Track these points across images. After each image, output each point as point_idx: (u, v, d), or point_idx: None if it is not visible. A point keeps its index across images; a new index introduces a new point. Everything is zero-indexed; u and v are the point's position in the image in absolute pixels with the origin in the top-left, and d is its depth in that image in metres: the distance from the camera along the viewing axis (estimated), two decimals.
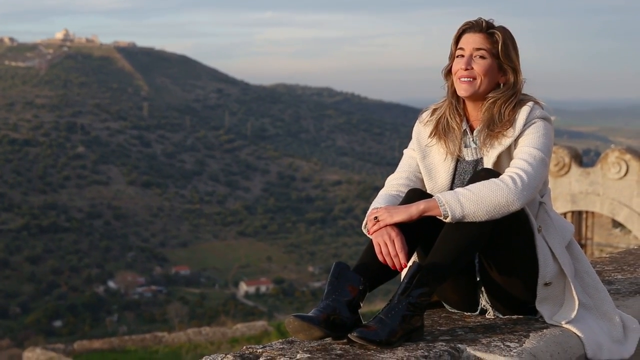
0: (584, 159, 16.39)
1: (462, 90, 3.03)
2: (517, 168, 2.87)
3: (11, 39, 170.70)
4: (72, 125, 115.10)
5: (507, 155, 3.00)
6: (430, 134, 3.14)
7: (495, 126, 3.00)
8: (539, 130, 2.96)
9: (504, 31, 3.04)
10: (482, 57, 3.01)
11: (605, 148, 19.67)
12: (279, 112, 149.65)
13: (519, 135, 2.98)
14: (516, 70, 3.03)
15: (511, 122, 2.98)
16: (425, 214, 2.81)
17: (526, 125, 2.98)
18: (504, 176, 2.85)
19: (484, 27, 3.03)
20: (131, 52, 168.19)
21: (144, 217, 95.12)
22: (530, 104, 3.02)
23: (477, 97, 3.05)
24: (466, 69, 3.01)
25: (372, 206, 3.06)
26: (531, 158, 2.89)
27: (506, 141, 2.98)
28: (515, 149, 2.98)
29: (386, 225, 2.86)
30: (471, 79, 3.01)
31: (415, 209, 2.82)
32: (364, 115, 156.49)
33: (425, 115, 3.20)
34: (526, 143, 2.95)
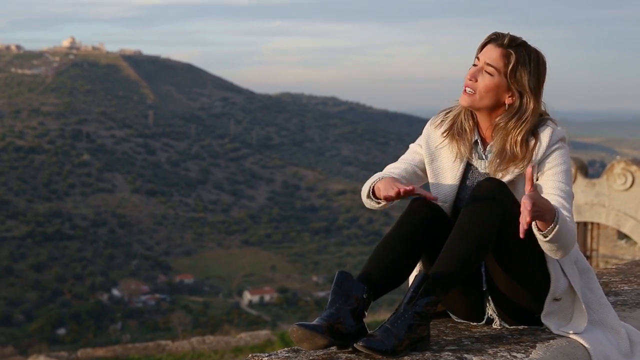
0: (590, 170, 16.37)
1: (461, 99, 3.02)
2: (567, 211, 2.84)
3: (18, 47, 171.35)
4: (78, 133, 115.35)
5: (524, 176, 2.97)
6: (444, 132, 3.11)
7: (505, 158, 2.97)
8: (565, 160, 2.96)
9: (524, 53, 2.96)
10: (489, 73, 2.97)
11: (611, 159, 19.64)
12: (284, 121, 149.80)
13: (542, 159, 2.95)
14: (523, 94, 2.96)
15: (523, 156, 2.95)
16: (540, 220, 2.69)
17: (549, 148, 2.95)
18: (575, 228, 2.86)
19: (505, 43, 2.97)
20: (137, 61, 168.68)
21: (148, 225, 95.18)
22: (550, 126, 2.99)
23: (479, 110, 3.03)
24: (470, 79, 3.00)
25: (369, 182, 3.04)
26: (569, 200, 2.89)
27: (521, 169, 2.96)
28: (537, 171, 2.95)
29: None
30: (472, 91, 2.99)
31: (547, 211, 2.68)
32: (369, 125, 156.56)
33: (438, 118, 3.18)
34: (559, 177, 2.93)
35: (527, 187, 2.65)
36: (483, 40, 3.03)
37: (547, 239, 2.71)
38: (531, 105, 2.96)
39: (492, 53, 2.98)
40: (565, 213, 2.81)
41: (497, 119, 3.00)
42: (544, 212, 2.66)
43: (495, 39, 3.00)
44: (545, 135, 2.96)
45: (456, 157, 3.08)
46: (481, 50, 3.02)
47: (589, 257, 15.54)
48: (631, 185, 14.62)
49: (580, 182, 15.07)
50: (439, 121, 3.16)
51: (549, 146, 2.95)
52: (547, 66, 3.01)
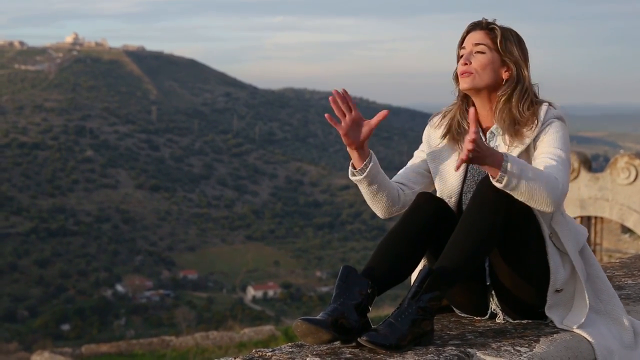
0: (593, 164, 16.36)
1: (462, 83, 3.04)
2: (554, 171, 2.82)
3: (21, 43, 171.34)
4: (81, 129, 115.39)
5: (525, 155, 2.98)
6: (443, 136, 3.14)
7: (518, 125, 2.98)
8: (559, 130, 2.95)
9: (506, 28, 3.05)
10: (480, 52, 3.02)
11: (614, 153, 19.63)
12: (287, 117, 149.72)
13: (537, 135, 2.96)
14: (518, 64, 3.01)
15: (532, 120, 2.96)
16: (483, 165, 2.68)
17: (544, 124, 2.96)
18: (551, 173, 2.80)
19: (485, 25, 3.06)
20: (140, 56, 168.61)
21: (152, 220, 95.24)
22: (546, 104, 3.01)
23: (480, 92, 3.05)
24: (464, 64, 3.02)
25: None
26: (561, 160, 2.86)
27: (526, 141, 2.96)
28: (534, 148, 2.96)
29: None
30: (469, 73, 3.01)
31: (488, 156, 2.66)
32: None
33: (436, 119, 3.21)
34: (549, 143, 2.92)
35: (472, 128, 2.61)
36: (461, 35, 3.09)
37: (502, 184, 2.69)
38: (527, 75, 3.03)
39: (476, 36, 3.05)
40: (549, 172, 2.78)
41: (499, 93, 3.02)
42: (485, 156, 2.65)
43: (472, 28, 3.07)
44: (541, 114, 2.98)
45: (458, 154, 3.09)
46: (462, 43, 3.08)
47: (592, 252, 15.52)
48: (635, 179, 14.60)
49: (584, 176, 15.06)
50: (437, 122, 3.19)
51: (544, 122, 2.96)
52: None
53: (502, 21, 3.08)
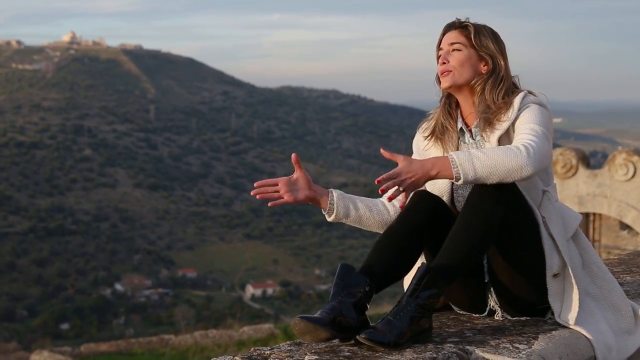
0: (591, 160, 16.34)
1: (443, 82, 3.10)
2: (522, 140, 2.85)
3: (18, 42, 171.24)
4: (79, 128, 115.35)
5: (506, 139, 3.00)
6: (427, 137, 3.18)
7: (490, 112, 3.02)
8: (535, 111, 2.97)
9: (480, 24, 3.11)
10: (457, 49, 3.08)
11: (613, 150, 19.64)
12: (285, 115, 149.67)
13: (515, 119, 2.98)
14: (494, 57, 3.06)
15: (507, 107, 3.00)
16: (439, 176, 2.78)
17: (521, 109, 2.99)
18: (515, 143, 2.84)
19: (458, 24, 3.12)
20: (138, 55, 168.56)
21: (151, 219, 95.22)
22: (524, 91, 3.05)
23: (461, 88, 3.10)
24: (443, 63, 3.09)
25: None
26: (533, 132, 2.88)
27: (503, 125, 2.99)
28: (513, 131, 2.98)
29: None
30: (449, 72, 3.07)
31: (430, 166, 2.78)
32: (370, 118, 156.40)
33: (424, 125, 3.26)
34: (525, 121, 2.95)
35: (399, 162, 2.80)
36: (438, 38, 3.16)
37: (462, 178, 2.75)
38: (504, 66, 3.08)
39: (451, 35, 3.11)
40: (505, 146, 2.81)
41: (472, 82, 3.07)
42: (426, 173, 2.76)
43: (447, 29, 3.14)
44: (517, 99, 3.01)
45: (444, 153, 3.13)
46: (440, 44, 3.14)
47: None
48: (633, 176, 14.60)
49: (582, 173, 15.05)
50: (424, 127, 3.24)
51: (521, 107, 2.99)
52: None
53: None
